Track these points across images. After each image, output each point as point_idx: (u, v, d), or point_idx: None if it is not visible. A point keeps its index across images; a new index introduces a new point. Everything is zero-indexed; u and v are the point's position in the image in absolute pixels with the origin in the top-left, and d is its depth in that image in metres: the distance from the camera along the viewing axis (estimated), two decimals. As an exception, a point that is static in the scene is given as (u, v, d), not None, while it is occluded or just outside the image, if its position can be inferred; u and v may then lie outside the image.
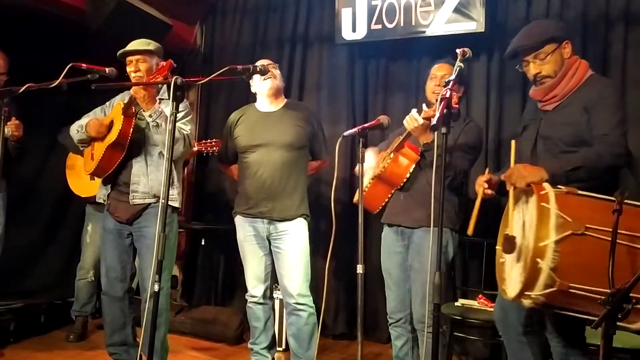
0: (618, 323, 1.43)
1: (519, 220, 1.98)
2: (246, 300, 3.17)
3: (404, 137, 2.65)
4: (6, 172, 3.51)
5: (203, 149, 3.75)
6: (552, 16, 3.58)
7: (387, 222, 2.86)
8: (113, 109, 2.92)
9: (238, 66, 2.42)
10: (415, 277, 2.66)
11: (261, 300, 3.10)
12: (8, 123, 3.24)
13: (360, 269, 2.31)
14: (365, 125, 2.48)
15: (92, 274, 3.82)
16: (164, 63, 2.69)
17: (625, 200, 1.71)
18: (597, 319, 1.43)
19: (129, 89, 2.81)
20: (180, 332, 4.03)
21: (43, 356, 3.50)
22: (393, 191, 2.78)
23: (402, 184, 2.71)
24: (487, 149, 3.73)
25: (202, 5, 4.86)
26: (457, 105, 2.41)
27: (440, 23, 3.80)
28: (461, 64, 2.19)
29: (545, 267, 1.74)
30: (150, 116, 2.70)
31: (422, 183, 2.65)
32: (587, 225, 1.75)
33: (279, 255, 3.02)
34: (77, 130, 2.95)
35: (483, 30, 3.67)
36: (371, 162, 2.86)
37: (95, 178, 3.70)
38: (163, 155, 2.83)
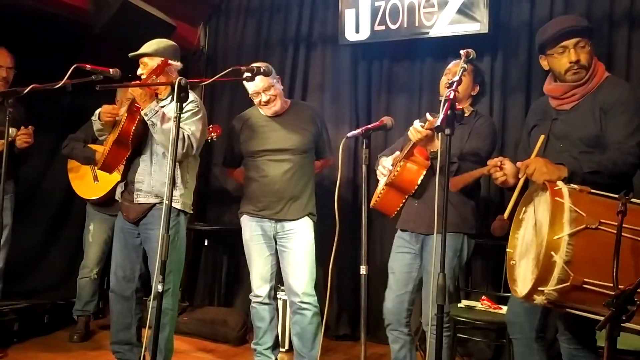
0: (623, 325, 1.42)
1: (531, 220, 1.98)
2: (249, 300, 3.18)
3: (411, 146, 2.63)
4: (14, 173, 3.54)
5: None
6: (555, 16, 3.57)
7: (401, 228, 2.83)
8: (125, 107, 2.93)
9: (242, 67, 2.43)
10: (428, 280, 2.62)
11: (265, 300, 3.10)
12: (20, 132, 3.28)
13: (363, 270, 2.31)
14: (369, 126, 2.48)
15: (95, 272, 3.82)
16: (159, 63, 2.70)
17: (633, 200, 1.71)
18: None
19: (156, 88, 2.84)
20: (182, 333, 4.03)
21: (46, 356, 3.51)
22: (406, 197, 2.76)
23: (414, 191, 2.68)
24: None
25: (206, 6, 4.87)
26: (461, 107, 2.40)
27: (444, 24, 3.80)
28: (465, 65, 2.18)
29: (559, 261, 1.73)
30: (145, 114, 2.69)
31: (435, 189, 2.61)
32: (602, 220, 1.75)
33: (284, 253, 3.04)
34: (93, 119, 2.96)
35: (487, 31, 3.66)
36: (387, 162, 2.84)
37: (99, 179, 3.74)
38: (166, 154, 2.84)
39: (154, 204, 2.83)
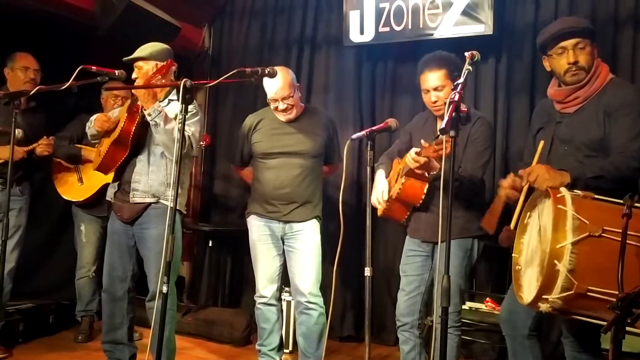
0: (628, 328, 1.42)
1: (536, 225, 1.97)
2: (254, 301, 3.18)
3: (409, 169, 2.57)
4: (29, 177, 3.58)
5: None
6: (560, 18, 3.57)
7: (411, 237, 2.83)
8: (122, 108, 2.96)
9: (247, 69, 2.43)
10: (440, 280, 2.63)
11: (271, 301, 3.11)
12: (41, 141, 3.40)
13: (368, 271, 2.32)
14: (374, 128, 2.48)
15: (93, 271, 3.82)
16: (163, 63, 2.71)
17: (637, 204, 1.70)
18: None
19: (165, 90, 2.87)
20: (187, 333, 4.05)
21: (51, 356, 3.53)
22: (411, 209, 2.77)
23: (419, 204, 2.68)
24: (495, 152, 3.71)
25: (211, 7, 4.88)
26: (466, 109, 2.40)
27: (448, 26, 3.80)
28: (470, 67, 2.15)
29: (563, 269, 1.72)
30: (149, 115, 2.70)
31: (443, 199, 2.59)
32: (605, 228, 1.74)
33: (291, 254, 3.05)
34: (88, 126, 3.00)
35: (491, 32, 3.66)
36: (382, 183, 2.83)
37: (83, 181, 3.75)
38: (165, 155, 2.86)
39: (150, 204, 2.85)
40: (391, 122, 2.50)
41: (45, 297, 4.11)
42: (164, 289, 2.20)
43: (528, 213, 2.05)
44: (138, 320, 3.10)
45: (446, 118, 1.89)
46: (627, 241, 1.65)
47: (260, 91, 4.46)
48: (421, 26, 3.90)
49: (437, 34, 3.84)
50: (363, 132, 2.46)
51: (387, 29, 4.02)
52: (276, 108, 3.03)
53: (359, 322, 4.14)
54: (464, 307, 3.25)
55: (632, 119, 2.07)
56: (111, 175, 3.02)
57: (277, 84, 2.93)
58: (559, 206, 1.79)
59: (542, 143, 2.18)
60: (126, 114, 2.77)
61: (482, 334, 3.41)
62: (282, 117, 3.07)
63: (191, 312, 4.26)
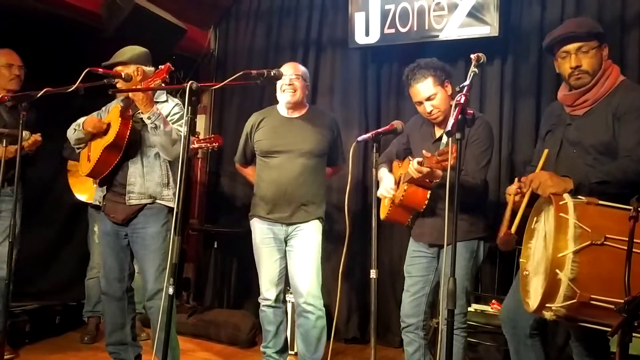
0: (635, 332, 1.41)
1: (542, 231, 1.96)
2: (259, 303, 3.18)
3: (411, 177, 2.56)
4: (21, 176, 3.55)
5: (203, 145, 3.62)
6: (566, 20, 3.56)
7: (415, 240, 2.83)
8: (110, 112, 2.96)
9: (252, 71, 2.42)
10: (446, 282, 2.63)
11: (274, 304, 3.11)
12: (30, 139, 3.31)
13: (373, 273, 2.31)
14: (380, 130, 2.48)
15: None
16: (162, 67, 2.72)
17: None
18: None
19: (153, 93, 2.85)
20: (192, 335, 4.06)
21: (57, 357, 3.54)
22: (414, 213, 2.77)
23: (422, 210, 2.67)
24: (501, 154, 3.72)
25: (216, 9, 4.90)
26: (472, 112, 2.39)
27: (454, 27, 3.79)
28: (475, 69, 2.14)
29: (564, 279, 1.72)
30: (148, 118, 2.72)
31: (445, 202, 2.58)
32: (607, 236, 1.73)
33: (291, 253, 3.06)
34: (74, 129, 2.99)
35: (497, 34, 3.65)
36: (388, 176, 2.83)
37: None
38: (159, 156, 2.88)
39: (145, 205, 2.88)
40: (397, 124, 2.49)
41: (52, 298, 4.13)
42: (170, 290, 2.19)
43: (535, 218, 2.04)
44: (145, 320, 3.10)
45: (452, 120, 1.88)
46: (634, 249, 1.63)
47: (265, 93, 4.49)
48: (426, 28, 3.89)
49: (443, 36, 3.83)
50: (369, 135, 2.46)
51: (393, 30, 4.02)
52: (281, 86, 3.05)
53: (364, 324, 4.14)
54: (469, 309, 3.25)
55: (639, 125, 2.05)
56: None
57: (289, 64, 3.15)
58: (561, 214, 1.78)
59: (546, 151, 2.17)
60: (120, 119, 2.78)
61: (488, 336, 3.40)
62: (285, 97, 3.05)
63: (196, 313, 4.27)
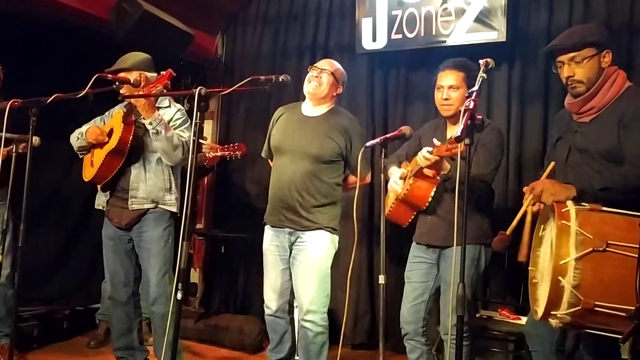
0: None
1: (548, 239, 1.96)
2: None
3: (419, 169, 2.58)
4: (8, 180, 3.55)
5: (226, 153, 3.57)
6: (574, 25, 3.55)
7: (417, 241, 2.82)
8: (112, 118, 2.99)
9: (261, 77, 2.43)
10: (446, 289, 2.61)
11: (278, 314, 2.99)
12: (21, 144, 3.29)
13: (382, 279, 2.31)
14: (388, 135, 2.48)
15: None
16: (164, 73, 2.74)
17: None
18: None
19: (156, 99, 2.86)
20: (199, 340, 4.06)
21: (65, 362, 3.56)
22: (417, 212, 2.77)
23: (426, 207, 2.68)
24: (508, 159, 3.70)
25: (224, 15, 4.92)
26: (481, 117, 2.39)
27: (461, 32, 3.79)
28: (484, 75, 2.14)
29: (567, 286, 1.72)
30: (150, 124, 2.74)
31: (450, 203, 2.56)
32: (609, 242, 1.72)
33: (294, 267, 2.92)
34: (77, 137, 3.02)
35: (504, 39, 3.65)
36: (397, 175, 2.82)
37: None
38: (161, 161, 2.89)
39: (148, 209, 2.90)
40: (405, 129, 2.49)
41: (60, 303, 4.14)
42: (179, 295, 2.19)
43: (542, 225, 2.03)
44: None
45: (461, 126, 1.88)
46: (631, 254, 1.64)
47: (273, 98, 4.50)
48: (434, 33, 3.90)
49: (450, 41, 3.83)
50: (377, 140, 2.46)
51: (400, 36, 4.02)
52: (308, 79, 2.94)
53: (372, 329, 4.13)
54: (477, 315, 3.24)
55: None
56: None
57: (326, 60, 3.09)
58: (562, 221, 1.79)
59: (552, 163, 2.17)
60: (122, 125, 2.81)
61: (496, 343, 3.37)
62: (307, 87, 2.94)
63: (203, 318, 4.27)
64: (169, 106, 2.99)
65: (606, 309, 1.71)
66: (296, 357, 3.46)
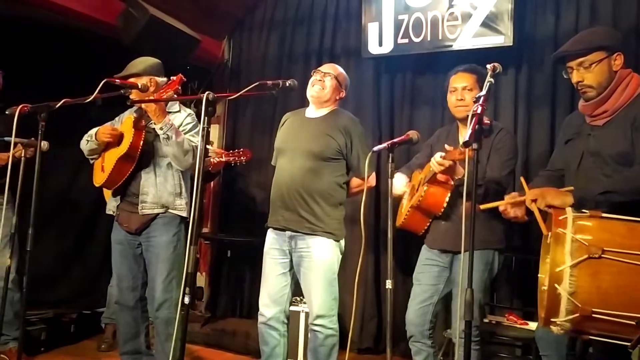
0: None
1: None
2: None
3: (432, 175, 2.59)
4: (11, 184, 3.57)
5: (231, 159, 3.57)
6: (581, 30, 3.54)
7: (429, 247, 2.81)
8: (122, 123, 2.99)
9: (268, 81, 2.44)
10: (458, 293, 2.60)
11: (271, 323, 2.89)
12: (30, 148, 3.32)
13: (389, 284, 2.30)
14: (395, 140, 2.48)
15: None
16: (174, 78, 2.75)
17: None
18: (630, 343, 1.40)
19: (165, 104, 2.87)
20: (204, 344, 4.06)
21: (73, 365, 3.57)
22: (432, 218, 2.77)
23: (440, 213, 2.68)
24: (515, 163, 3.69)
25: (230, 20, 4.94)
26: (489, 121, 2.39)
27: (468, 37, 3.79)
28: (492, 80, 2.14)
29: (563, 293, 1.72)
30: (161, 129, 2.75)
31: (461, 209, 2.57)
32: (605, 248, 1.72)
33: (300, 274, 2.87)
34: (87, 141, 3.01)
35: (511, 44, 3.65)
36: (401, 183, 2.83)
37: None
38: (172, 166, 2.90)
39: (158, 214, 2.90)
40: (412, 134, 2.49)
41: (67, 306, 4.15)
42: (186, 300, 2.19)
43: (549, 233, 2.03)
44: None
45: (469, 131, 1.88)
46: (630, 261, 1.63)
47: (279, 102, 4.52)
48: (440, 38, 3.90)
49: (456, 46, 3.83)
50: (384, 145, 2.46)
51: (406, 40, 4.02)
52: (312, 82, 2.94)
53: (378, 333, 4.12)
54: (484, 320, 3.22)
55: None
56: None
57: (330, 64, 3.08)
58: (558, 230, 1.79)
59: (522, 179, 2.19)
60: (133, 130, 2.82)
61: (504, 348, 3.36)
62: (311, 92, 2.93)
63: (209, 322, 4.28)
64: (179, 111, 3.00)
65: (606, 315, 1.70)
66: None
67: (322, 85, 2.92)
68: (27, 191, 2.79)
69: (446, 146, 2.43)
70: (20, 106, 2.56)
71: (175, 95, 2.73)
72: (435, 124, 3.96)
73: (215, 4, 4.59)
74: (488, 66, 2.17)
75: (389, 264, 2.31)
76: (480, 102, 2.00)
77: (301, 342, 3.67)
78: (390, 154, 2.40)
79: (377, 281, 4.15)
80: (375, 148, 2.52)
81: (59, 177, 4.24)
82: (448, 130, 2.91)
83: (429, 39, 3.94)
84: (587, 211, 1.84)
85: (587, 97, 2.18)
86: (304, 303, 3.50)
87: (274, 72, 4.63)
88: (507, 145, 2.67)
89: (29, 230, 2.52)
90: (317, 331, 2.84)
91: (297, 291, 3.04)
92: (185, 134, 2.88)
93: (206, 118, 2.23)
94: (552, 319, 1.78)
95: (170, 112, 2.94)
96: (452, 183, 2.58)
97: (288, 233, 2.85)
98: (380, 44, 4.12)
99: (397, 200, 2.97)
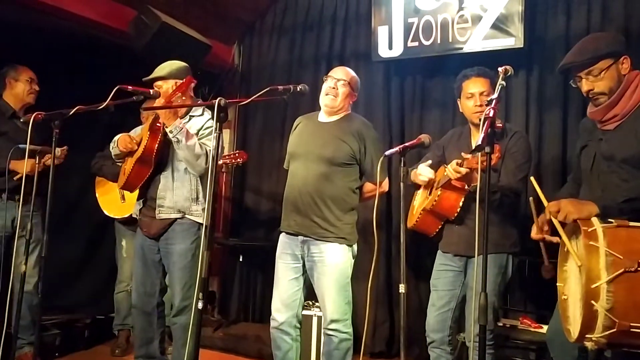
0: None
1: (575, 255, 1.93)
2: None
3: (447, 181, 2.58)
4: (42, 190, 3.63)
5: (227, 161, 3.60)
6: (592, 31, 3.52)
7: (443, 250, 2.81)
8: (144, 126, 3.02)
9: (279, 87, 2.45)
10: (472, 296, 2.60)
11: (284, 328, 2.88)
12: (46, 155, 3.38)
13: (402, 288, 2.29)
14: (407, 144, 2.48)
15: (132, 285, 3.87)
16: (182, 81, 2.75)
17: None
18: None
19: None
20: (217, 348, 4.07)
21: (87, 371, 3.60)
22: (443, 222, 2.76)
23: (454, 217, 2.67)
24: (528, 166, 3.68)
25: (240, 25, 4.96)
26: (501, 125, 2.38)
27: (478, 39, 3.78)
28: (503, 82, 2.12)
29: (601, 309, 1.68)
30: (171, 132, 2.75)
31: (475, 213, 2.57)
32: None
33: (313, 280, 2.88)
34: (112, 145, 3.06)
35: (522, 45, 3.63)
36: (427, 170, 2.80)
37: (125, 199, 3.82)
38: (189, 170, 2.89)
39: (175, 219, 2.89)
40: (424, 137, 2.49)
41: (81, 312, 4.17)
42: (200, 305, 2.20)
43: (567, 240, 2.01)
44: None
45: (482, 135, 1.87)
46: None
47: (289, 107, 4.52)
48: (450, 40, 3.89)
49: (467, 48, 3.82)
50: (396, 149, 2.46)
51: (416, 43, 4.02)
52: (325, 91, 2.92)
53: (391, 337, 4.11)
54: (498, 324, 3.20)
55: None
56: None
57: (341, 67, 3.04)
58: (591, 242, 1.75)
59: (532, 179, 2.16)
60: (148, 133, 2.83)
61: (518, 352, 3.33)
62: (324, 100, 2.93)
63: (222, 327, 4.29)
64: (202, 114, 2.98)
65: None
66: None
67: (335, 93, 2.90)
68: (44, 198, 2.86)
69: (463, 154, 2.42)
70: (35, 114, 2.59)
71: (183, 97, 2.73)
72: (446, 126, 3.94)
73: (225, 9, 4.62)
74: (500, 69, 2.16)
75: (402, 268, 2.30)
76: (493, 105, 1.99)
77: (314, 346, 3.67)
78: (402, 158, 2.39)
79: (389, 285, 4.14)
80: (387, 152, 2.51)
81: (71, 182, 4.27)
82: (460, 132, 2.90)
83: (439, 41, 3.93)
84: (613, 221, 1.81)
85: (599, 103, 2.15)
86: (316, 307, 3.50)
87: (284, 77, 4.65)
88: (522, 150, 2.65)
89: (44, 237, 2.54)
90: (331, 335, 2.84)
91: (309, 295, 3.04)
92: (203, 137, 2.86)
93: (218, 124, 2.26)
94: (588, 335, 1.75)
95: (192, 116, 2.94)
96: (467, 189, 2.57)
97: (300, 238, 2.86)
98: (390, 47, 4.12)
99: (411, 194, 2.96)
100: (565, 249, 2.00)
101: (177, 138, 2.75)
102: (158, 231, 2.90)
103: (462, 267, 2.73)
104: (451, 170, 2.46)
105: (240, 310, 4.74)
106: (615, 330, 1.68)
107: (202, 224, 2.91)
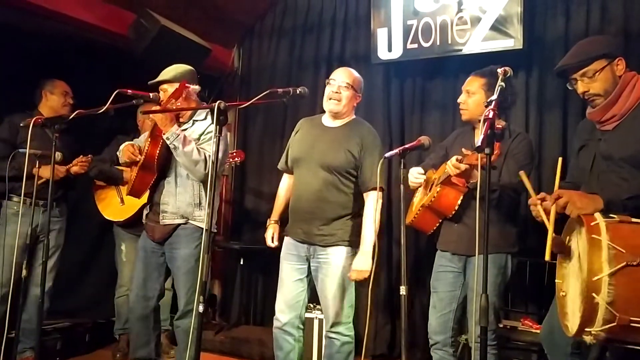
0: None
1: (575, 251, 1.93)
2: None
3: (447, 177, 2.58)
4: (65, 197, 3.67)
5: (226, 162, 3.65)
6: (592, 32, 3.53)
7: (442, 249, 2.81)
8: (148, 132, 3.01)
9: (279, 89, 2.45)
10: (473, 297, 2.58)
11: (287, 328, 2.89)
12: (79, 160, 3.50)
13: (403, 290, 2.29)
14: (407, 146, 2.48)
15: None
16: (176, 86, 2.76)
17: None
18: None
19: (184, 113, 2.90)
20: (218, 352, 4.06)
21: (88, 375, 3.59)
22: (441, 220, 2.76)
23: (451, 215, 2.67)
24: (528, 167, 3.68)
25: (240, 28, 4.97)
26: (500, 126, 2.37)
27: (477, 41, 3.79)
28: (502, 83, 2.13)
29: (602, 302, 1.68)
30: (167, 139, 2.75)
31: (474, 211, 2.56)
32: None
33: (317, 281, 2.88)
34: (118, 155, 3.10)
35: (521, 47, 3.64)
36: (415, 177, 2.81)
37: (124, 202, 3.83)
38: (190, 176, 2.89)
39: (179, 225, 2.89)
40: (424, 139, 2.49)
41: (82, 316, 4.17)
42: (200, 308, 2.21)
43: (567, 237, 2.01)
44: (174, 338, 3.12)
45: (481, 136, 1.88)
46: None
47: (289, 110, 4.53)
48: (449, 42, 3.90)
49: (466, 50, 3.83)
50: (396, 151, 2.46)
51: (415, 45, 4.03)
52: (328, 95, 2.88)
53: (392, 340, 4.10)
54: (499, 325, 3.20)
55: None
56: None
57: (343, 69, 2.98)
58: (593, 236, 1.75)
59: (560, 160, 2.15)
60: (149, 139, 2.84)
61: (520, 353, 3.33)
62: (327, 106, 2.90)
63: (223, 330, 4.28)
64: (205, 118, 2.97)
65: None
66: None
67: (338, 98, 2.86)
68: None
69: (463, 150, 2.42)
70: (35, 118, 2.60)
71: (195, 96, 2.73)
72: (446, 128, 3.95)
73: (224, 12, 4.62)
74: (499, 70, 2.17)
75: (402, 270, 2.30)
76: (492, 106, 1.99)
77: (315, 349, 3.67)
78: (402, 160, 2.39)
79: (390, 287, 4.13)
80: (387, 154, 2.52)
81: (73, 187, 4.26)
82: (463, 132, 2.91)
83: (438, 43, 3.94)
84: (615, 216, 1.82)
85: (595, 104, 2.17)
86: (318, 310, 3.49)
87: (284, 79, 4.65)
88: (524, 151, 2.65)
89: (45, 241, 2.55)
90: (333, 338, 2.84)
91: (311, 298, 3.03)
92: (204, 142, 2.86)
93: (218, 127, 2.26)
94: (587, 329, 1.75)
95: (196, 121, 2.95)
96: (467, 186, 2.57)
97: (306, 245, 2.87)
98: (390, 50, 4.12)
99: (411, 194, 2.96)
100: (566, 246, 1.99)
101: (174, 145, 2.75)
102: (162, 236, 2.91)
103: (461, 267, 2.73)
104: (450, 166, 2.47)
105: (242, 313, 4.74)
106: (615, 324, 1.68)
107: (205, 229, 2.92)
